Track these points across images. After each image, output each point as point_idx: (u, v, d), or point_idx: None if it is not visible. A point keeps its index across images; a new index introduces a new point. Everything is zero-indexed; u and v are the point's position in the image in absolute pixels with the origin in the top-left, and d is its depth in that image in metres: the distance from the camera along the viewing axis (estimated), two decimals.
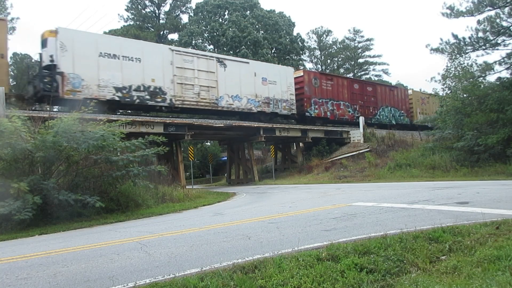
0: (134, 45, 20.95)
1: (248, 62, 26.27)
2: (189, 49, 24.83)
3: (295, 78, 27.79)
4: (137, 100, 20.03)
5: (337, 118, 30.07)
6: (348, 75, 61.21)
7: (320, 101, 28.81)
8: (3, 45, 16.82)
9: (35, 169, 10.42)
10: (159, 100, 20.79)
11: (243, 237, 6.04)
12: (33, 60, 16.76)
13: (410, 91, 37.95)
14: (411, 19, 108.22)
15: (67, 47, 17.89)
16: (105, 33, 38.33)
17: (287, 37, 48.34)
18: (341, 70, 65.63)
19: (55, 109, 17.91)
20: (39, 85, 17.62)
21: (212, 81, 23.01)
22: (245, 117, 24.87)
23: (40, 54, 17.99)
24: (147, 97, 20.39)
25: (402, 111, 35.75)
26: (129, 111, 21.74)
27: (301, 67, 48.54)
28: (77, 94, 17.78)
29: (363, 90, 32.72)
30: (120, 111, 20.86)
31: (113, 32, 40.25)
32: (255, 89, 25.15)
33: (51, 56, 17.68)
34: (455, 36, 19.70)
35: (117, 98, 19.32)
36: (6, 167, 10.13)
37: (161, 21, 53.16)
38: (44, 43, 17.93)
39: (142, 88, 20.20)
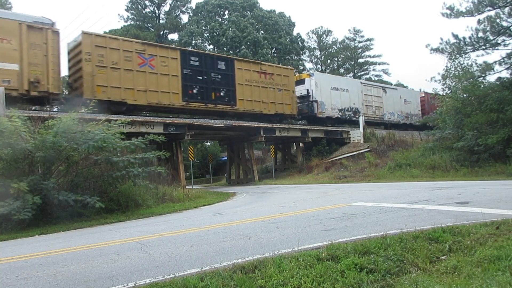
0: (344, 80, 33.57)
1: (396, 89, 37.92)
2: (370, 81, 35.87)
3: (420, 97, 37.59)
4: (347, 117, 30.33)
5: None
6: (348, 75, 61.32)
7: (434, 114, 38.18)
8: (292, 84, 27.46)
9: (35, 169, 10.42)
10: (357, 117, 30.37)
11: (243, 237, 6.04)
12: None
13: None
14: (411, 19, 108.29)
15: (318, 84, 28.44)
16: (105, 33, 38.43)
17: (287, 37, 48.33)
18: (341, 70, 65.63)
19: (55, 109, 17.93)
20: (306, 108, 28.34)
21: (380, 102, 33.46)
22: (395, 127, 33.20)
23: (308, 90, 28.34)
24: (352, 115, 30.55)
25: None
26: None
27: (301, 67, 48.59)
28: (323, 114, 28.64)
29: None
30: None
31: (113, 32, 40.22)
32: (401, 107, 35.25)
33: (307, 90, 28.27)
34: (455, 36, 19.70)
35: (339, 116, 29.79)
36: (6, 167, 10.12)
37: (161, 21, 53.17)
38: (302, 81, 28.61)
39: (349, 109, 30.53)
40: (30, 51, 16.36)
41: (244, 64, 24.93)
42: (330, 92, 29.09)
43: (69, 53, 19.62)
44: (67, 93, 19.98)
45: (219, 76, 23.24)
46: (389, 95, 34.41)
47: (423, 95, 37.86)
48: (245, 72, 24.49)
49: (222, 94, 23.29)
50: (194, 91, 22.10)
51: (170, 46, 23.21)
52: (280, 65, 30.94)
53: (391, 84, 54.22)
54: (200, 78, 22.37)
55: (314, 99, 28.08)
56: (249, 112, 24.80)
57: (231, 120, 23.83)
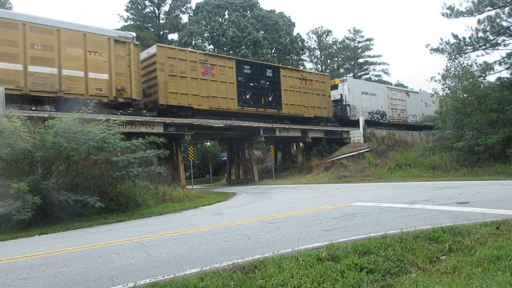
0: (373, 85, 35.60)
1: (418, 93, 38.91)
2: (395, 86, 37.06)
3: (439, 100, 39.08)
4: (376, 120, 32.35)
5: None
6: (348, 75, 61.36)
7: None
8: (328, 90, 30.00)
9: (35, 169, 10.41)
10: (384, 119, 33.13)
11: (243, 237, 6.04)
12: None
13: None
14: (411, 19, 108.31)
15: (350, 89, 30.76)
16: None
17: (287, 37, 48.30)
18: (341, 70, 65.62)
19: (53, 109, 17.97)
20: (340, 112, 30.71)
21: (404, 106, 35.50)
22: (414, 128, 34.91)
23: (341, 95, 30.69)
24: (379, 117, 32.84)
25: None
26: (129, 111, 21.84)
27: (301, 67, 48.60)
28: (355, 117, 30.16)
29: None
30: (120, 111, 21.22)
31: None
32: (422, 110, 37.08)
33: (341, 95, 30.62)
34: (455, 36, 19.70)
35: (369, 119, 31.55)
36: (6, 167, 10.11)
37: (161, 21, 53.16)
38: (335, 87, 30.83)
39: (377, 112, 32.66)
40: (116, 62, 18.68)
41: (288, 72, 27.59)
42: (360, 97, 31.47)
43: (141, 62, 20.92)
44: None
45: (267, 83, 25.81)
46: (412, 99, 36.63)
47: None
48: (289, 79, 27.04)
49: (270, 99, 25.87)
50: (247, 96, 24.70)
51: (227, 56, 27.31)
52: (317, 72, 35.08)
53: (391, 84, 54.64)
54: (252, 84, 25.03)
55: (347, 103, 30.58)
56: (292, 115, 27.46)
57: (276, 122, 26.90)
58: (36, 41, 16.40)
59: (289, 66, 32.39)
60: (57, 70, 16.88)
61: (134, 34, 20.46)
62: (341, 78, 33.36)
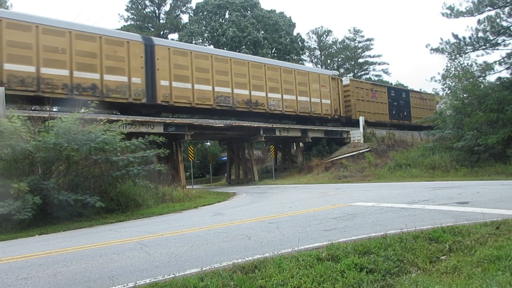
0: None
1: None
2: None
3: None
4: None
5: None
6: (348, 75, 61.41)
7: None
8: (435, 105, 38.63)
9: (35, 169, 10.41)
10: None
11: (243, 237, 6.04)
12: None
13: None
14: (411, 19, 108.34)
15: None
16: None
17: (287, 37, 48.28)
18: (341, 70, 65.61)
19: (54, 109, 17.96)
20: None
21: None
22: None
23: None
24: None
25: None
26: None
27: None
28: None
29: None
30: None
31: None
32: None
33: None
34: (455, 36, 19.72)
35: None
36: (6, 167, 10.12)
37: (161, 21, 53.17)
38: (436, 102, 38.76)
39: None
40: (332, 91, 29.49)
41: (413, 93, 38.28)
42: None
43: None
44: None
45: (403, 102, 35.97)
46: None
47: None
48: (414, 99, 37.35)
49: (405, 114, 35.84)
50: (393, 112, 34.66)
51: (382, 84, 41.07)
52: (429, 93, 44.71)
53: (391, 84, 54.82)
54: (395, 104, 35.00)
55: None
56: (417, 125, 35.25)
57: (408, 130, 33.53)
58: (286, 79, 26.65)
59: (414, 89, 42.88)
60: (308, 99, 27.75)
61: (337, 73, 32.09)
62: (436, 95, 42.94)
